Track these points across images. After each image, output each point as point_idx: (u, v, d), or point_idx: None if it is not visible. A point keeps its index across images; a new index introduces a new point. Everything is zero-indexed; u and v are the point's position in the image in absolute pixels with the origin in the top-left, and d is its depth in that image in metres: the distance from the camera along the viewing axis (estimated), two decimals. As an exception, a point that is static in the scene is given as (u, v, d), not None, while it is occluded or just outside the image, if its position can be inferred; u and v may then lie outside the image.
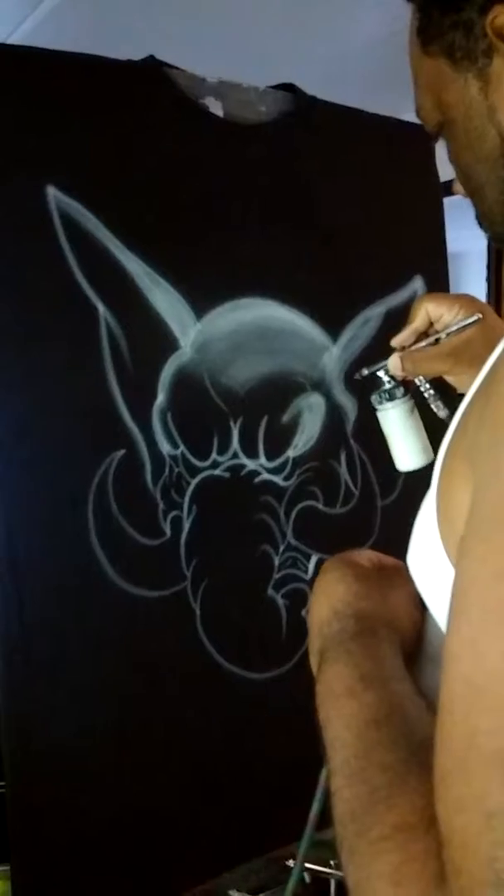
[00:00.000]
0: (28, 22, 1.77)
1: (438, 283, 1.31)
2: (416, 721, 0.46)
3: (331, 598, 0.57)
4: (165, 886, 1.00)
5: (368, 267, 1.21)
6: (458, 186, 0.64)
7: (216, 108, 1.09)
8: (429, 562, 0.52)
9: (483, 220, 0.61)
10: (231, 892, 1.04)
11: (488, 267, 2.39)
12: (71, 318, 0.97)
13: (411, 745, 0.44)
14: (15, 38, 1.77)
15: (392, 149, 1.26)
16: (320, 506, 1.15)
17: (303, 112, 1.16)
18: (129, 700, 0.99)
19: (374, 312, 1.21)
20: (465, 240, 1.36)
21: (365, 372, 0.81)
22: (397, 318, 1.22)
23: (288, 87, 1.16)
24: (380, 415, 0.81)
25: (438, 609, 0.54)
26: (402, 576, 0.59)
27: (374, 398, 0.80)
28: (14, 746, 0.92)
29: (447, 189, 1.38)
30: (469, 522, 0.40)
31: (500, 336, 0.76)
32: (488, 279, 2.41)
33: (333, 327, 1.17)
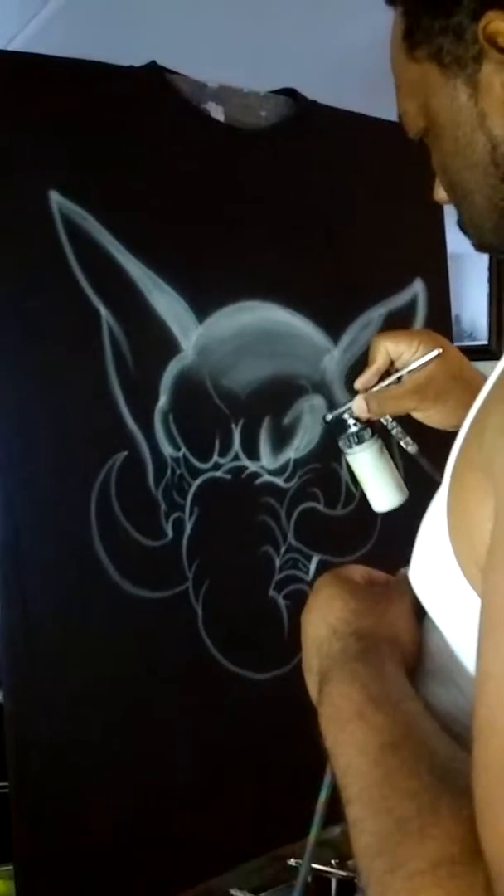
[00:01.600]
0: (30, 27, 1.77)
1: (439, 284, 1.31)
2: (433, 743, 0.45)
3: (327, 616, 0.56)
4: (167, 885, 1.01)
5: (369, 269, 1.22)
6: (440, 193, 0.63)
7: (217, 113, 1.10)
8: (438, 577, 0.51)
9: (469, 226, 0.60)
10: (233, 891, 1.05)
11: (489, 268, 2.40)
12: (73, 321, 0.98)
13: (434, 769, 0.42)
14: (17, 44, 1.78)
15: (391, 152, 1.26)
16: (321, 507, 1.16)
17: (303, 116, 1.17)
18: (131, 701, 1.00)
19: (375, 314, 1.22)
20: (465, 241, 1.37)
21: (329, 417, 0.81)
22: (398, 321, 1.23)
23: (289, 92, 1.17)
24: (349, 458, 0.80)
25: (448, 625, 0.53)
26: (398, 591, 0.58)
27: (342, 443, 0.80)
28: (16, 747, 0.93)
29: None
30: (496, 540, 0.39)
31: (461, 369, 0.77)
32: (489, 280, 2.41)
33: (334, 330, 1.18)
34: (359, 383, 0.80)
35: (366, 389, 0.80)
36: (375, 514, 1.20)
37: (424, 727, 0.47)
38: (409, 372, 0.77)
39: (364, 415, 0.78)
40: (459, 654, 0.53)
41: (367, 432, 0.79)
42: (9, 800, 0.93)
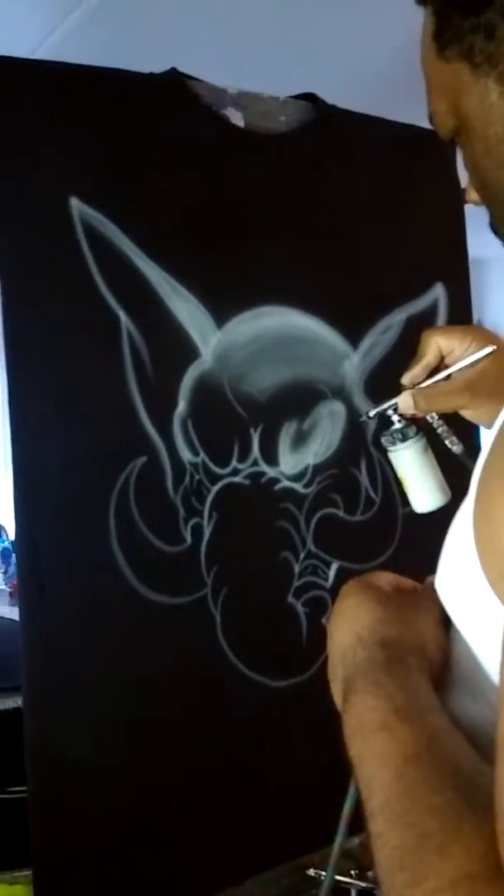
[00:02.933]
0: (54, 36, 1.79)
1: (460, 289, 1.30)
2: (458, 757, 0.44)
3: (353, 624, 0.55)
4: (186, 893, 1.00)
5: (389, 274, 1.21)
6: (472, 194, 0.62)
7: (237, 118, 1.10)
8: (465, 589, 0.50)
9: (501, 227, 0.60)
10: (251, 901, 1.04)
11: (512, 273, 2.38)
12: (93, 327, 0.99)
13: (458, 784, 0.41)
14: (41, 52, 1.80)
15: (412, 156, 1.25)
16: (341, 513, 1.15)
17: (323, 121, 1.16)
18: (150, 706, 1.00)
19: (395, 319, 1.21)
20: (487, 245, 1.35)
21: (372, 413, 0.78)
22: (418, 325, 1.22)
23: (308, 97, 1.17)
24: (392, 456, 0.77)
25: (474, 636, 0.52)
26: (424, 599, 0.57)
27: (385, 439, 0.77)
28: (35, 753, 0.93)
29: (469, 195, 1.37)
30: None
31: None
32: (512, 285, 2.39)
33: (354, 334, 1.17)
34: (406, 378, 0.77)
35: (413, 385, 0.77)
36: (396, 521, 1.20)
37: (449, 740, 0.46)
38: (460, 369, 0.74)
39: (410, 411, 0.75)
40: (486, 665, 0.52)
41: (412, 429, 0.76)
42: (27, 805, 0.93)
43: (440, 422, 0.76)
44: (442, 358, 0.76)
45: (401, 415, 0.76)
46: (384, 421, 0.77)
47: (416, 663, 0.52)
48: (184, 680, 1.02)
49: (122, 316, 0.99)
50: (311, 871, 1.06)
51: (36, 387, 0.96)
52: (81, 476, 0.97)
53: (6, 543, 2.65)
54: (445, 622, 0.56)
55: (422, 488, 0.77)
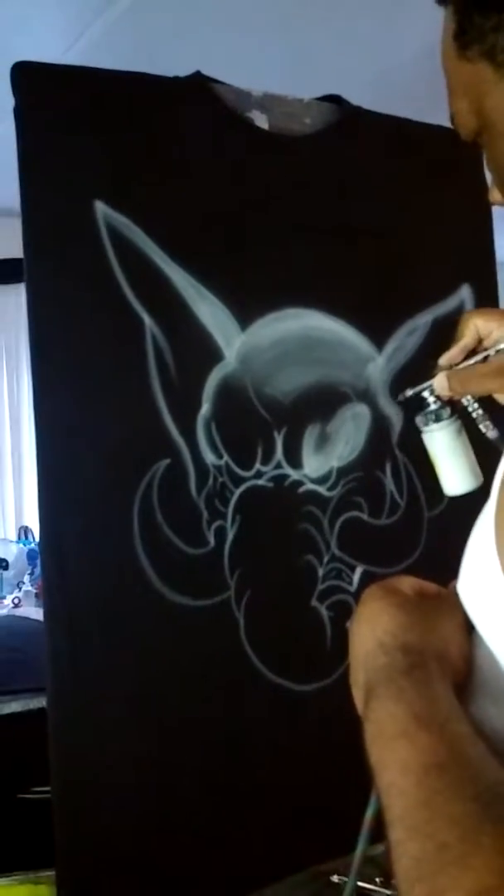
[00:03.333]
0: (81, 41, 1.82)
1: (487, 291, 1.29)
2: (479, 766, 0.43)
3: (375, 629, 0.54)
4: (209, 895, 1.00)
5: (415, 276, 1.20)
6: (495, 194, 0.61)
7: (261, 121, 1.10)
8: (487, 594, 0.49)
9: None
10: (274, 906, 1.03)
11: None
12: (118, 330, 0.99)
13: (478, 794, 0.41)
14: (68, 58, 1.82)
15: (438, 157, 1.24)
16: (365, 516, 1.14)
17: (348, 123, 1.16)
18: (173, 709, 1.00)
19: (421, 322, 1.20)
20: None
21: (409, 392, 0.77)
22: (444, 328, 1.21)
23: (333, 99, 1.16)
24: (426, 437, 0.77)
25: (496, 641, 0.51)
26: (448, 604, 0.56)
27: (419, 420, 0.76)
28: (59, 753, 0.93)
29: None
30: None
31: None
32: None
33: (379, 337, 1.17)
34: (443, 359, 0.76)
35: (450, 366, 0.75)
36: (421, 524, 1.19)
37: (471, 749, 0.45)
38: (498, 352, 0.73)
39: (445, 392, 0.74)
40: None
41: (447, 411, 0.75)
42: (51, 805, 0.93)
43: (476, 406, 0.75)
44: (480, 340, 0.75)
45: (436, 396, 0.75)
46: (420, 402, 0.76)
47: (438, 669, 0.51)
48: (207, 682, 1.02)
49: (147, 319, 1.00)
50: (335, 878, 1.05)
51: (61, 390, 0.96)
52: (106, 478, 0.97)
53: (33, 545, 2.67)
54: (469, 627, 0.55)
55: (453, 471, 0.76)
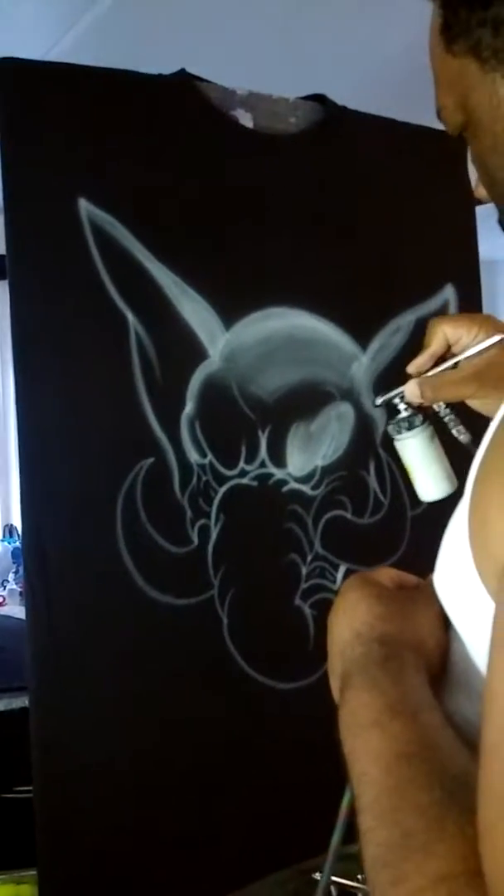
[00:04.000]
0: (66, 38, 1.80)
1: (471, 291, 1.29)
2: (448, 756, 0.44)
3: (352, 619, 0.55)
4: (190, 894, 1.00)
5: (399, 275, 1.20)
6: (480, 190, 0.61)
7: (246, 119, 1.10)
8: (460, 587, 0.50)
9: None
10: (256, 904, 1.03)
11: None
12: (101, 328, 0.99)
13: (446, 783, 0.41)
14: (53, 55, 1.81)
15: (423, 157, 1.25)
16: (349, 515, 1.14)
17: (333, 122, 1.16)
18: (155, 707, 0.99)
19: (405, 321, 1.20)
20: (497, 248, 1.35)
21: (379, 400, 0.77)
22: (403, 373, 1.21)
23: (318, 98, 1.17)
24: (398, 445, 0.77)
25: (469, 634, 0.52)
26: (425, 595, 0.57)
27: (391, 428, 0.77)
28: (40, 752, 0.93)
29: (480, 197, 1.36)
30: None
31: None
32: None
33: (363, 336, 1.17)
34: (412, 367, 0.76)
35: (419, 374, 0.76)
36: (405, 523, 1.19)
37: (442, 738, 0.46)
38: (468, 357, 0.73)
39: (416, 400, 0.74)
40: (480, 665, 0.51)
41: (419, 418, 0.75)
42: (33, 805, 0.93)
43: (447, 410, 0.76)
44: (449, 347, 0.76)
45: (407, 403, 0.76)
46: (391, 409, 0.77)
47: (414, 660, 0.52)
48: (190, 681, 1.02)
49: (131, 317, 0.99)
50: (317, 875, 1.05)
51: (44, 387, 0.96)
52: (89, 477, 0.97)
53: (17, 543, 2.66)
54: (446, 619, 0.56)
55: (427, 477, 0.77)
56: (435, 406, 0.76)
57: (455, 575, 0.51)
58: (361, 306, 1.16)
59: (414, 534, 1.18)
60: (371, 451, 1.16)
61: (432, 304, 1.23)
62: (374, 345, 1.17)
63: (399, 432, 0.76)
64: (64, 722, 0.94)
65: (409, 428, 0.76)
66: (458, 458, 0.78)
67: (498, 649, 0.37)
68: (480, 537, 0.46)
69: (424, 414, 0.76)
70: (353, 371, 1.16)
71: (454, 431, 0.76)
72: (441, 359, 0.75)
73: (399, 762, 0.43)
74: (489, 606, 0.45)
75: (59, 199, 0.97)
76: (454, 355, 0.75)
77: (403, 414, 0.76)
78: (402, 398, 0.75)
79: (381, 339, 1.18)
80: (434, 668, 0.53)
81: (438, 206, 1.26)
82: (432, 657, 0.54)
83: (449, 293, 1.25)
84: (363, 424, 1.16)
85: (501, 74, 0.52)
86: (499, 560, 0.41)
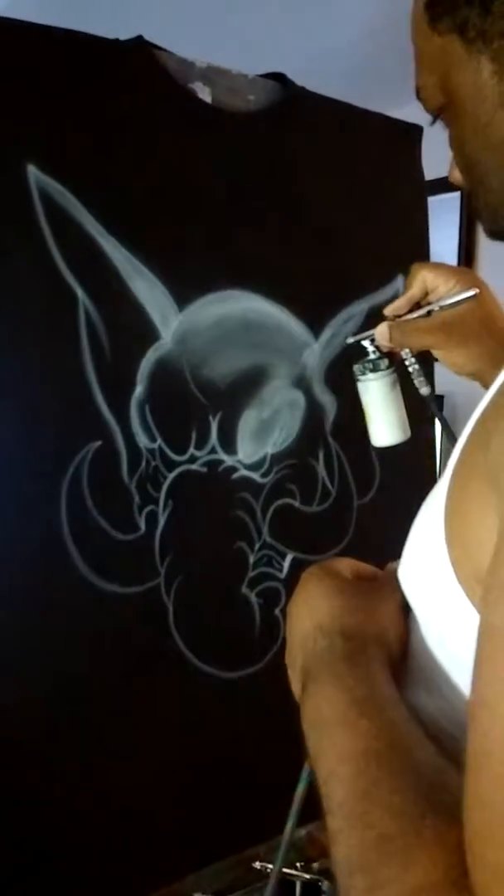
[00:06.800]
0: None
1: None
2: (417, 754, 0.43)
3: (314, 611, 0.54)
4: (130, 887, 0.98)
5: (353, 263, 1.20)
6: (455, 174, 0.59)
7: (204, 93, 1.06)
8: (430, 581, 0.49)
9: (483, 210, 0.57)
10: (196, 895, 1.02)
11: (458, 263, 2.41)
12: (48, 304, 0.94)
13: (419, 783, 0.41)
14: (1, 8, 1.71)
15: (379, 145, 1.24)
16: (297, 504, 1.13)
17: (292, 102, 1.14)
18: (99, 696, 0.96)
19: (357, 310, 1.20)
20: (437, 241, 1.36)
21: (350, 340, 0.79)
22: (379, 318, 1.21)
23: (278, 77, 1.14)
24: (360, 386, 0.78)
25: (436, 630, 0.52)
26: (386, 587, 0.56)
27: (356, 368, 0.78)
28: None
29: (432, 188, 1.36)
30: (499, 560, 0.37)
31: (493, 318, 0.75)
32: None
33: (316, 324, 1.16)
34: (389, 309, 0.77)
35: (395, 317, 0.77)
36: (351, 513, 1.20)
37: (410, 736, 0.45)
38: (442, 307, 0.74)
39: (385, 342, 0.76)
40: (442, 660, 0.51)
41: (384, 362, 0.77)
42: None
43: (413, 360, 0.77)
44: (426, 294, 0.76)
45: (376, 347, 0.77)
46: (360, 351, 0.78)
47: (377, 654, 0.51)
48: (134, 671, 0.99)
49: (80, 293, 0.95)
50: (257, 864, 1.05)
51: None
52: (33, 459, 0.92)
53: None
54: (406, 611, 0.55)
55: (383, 422, 0.78)
56: (402, 354, 0.77)
57: (426, 570, 0.51)
58: (316, 294, 1.15)
59: (360, 522, 1.18)
60: (321, 439, 1.16)
61: (384, 293, 1.23)
62: (327, 333, 1.17)
63: (363, 373, 0.77)
64: (5, 710, 0.90)
65: (374, 370, 0.77)
66: (414, 414, 0.80)
67: (484, 658, 0.37)
68: (459, 536, 0.45)
69: (391, 360, 0.77)
70: (305, 358, 1.14)
71: (416, 382, 0.78)
72: (417, 305, 0.76)
73: (368, 761, 0.43)
74: (465, 607, 0.45)
75: (5, 165, 0.91)
76: (429, 303, 0.75)
77: (371, 356, 0.77)
78: (372, 341, 0.77)
79: (334, 327, 1.17)
80: (395, 661, 0.53)
81: (392, 197, 1.26)
82: (394, 651, 0.53)
83: (400, 283, 1.25)
84: (313, 412, 1.15)
85: (487, 57, 0.50)
86: (480, 564, 0.40)
